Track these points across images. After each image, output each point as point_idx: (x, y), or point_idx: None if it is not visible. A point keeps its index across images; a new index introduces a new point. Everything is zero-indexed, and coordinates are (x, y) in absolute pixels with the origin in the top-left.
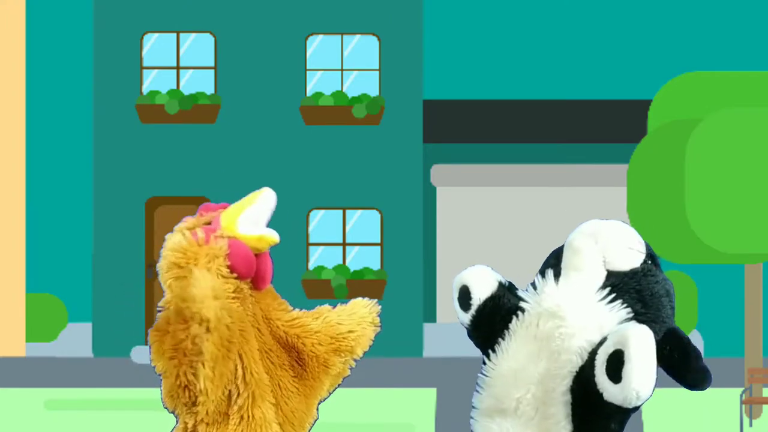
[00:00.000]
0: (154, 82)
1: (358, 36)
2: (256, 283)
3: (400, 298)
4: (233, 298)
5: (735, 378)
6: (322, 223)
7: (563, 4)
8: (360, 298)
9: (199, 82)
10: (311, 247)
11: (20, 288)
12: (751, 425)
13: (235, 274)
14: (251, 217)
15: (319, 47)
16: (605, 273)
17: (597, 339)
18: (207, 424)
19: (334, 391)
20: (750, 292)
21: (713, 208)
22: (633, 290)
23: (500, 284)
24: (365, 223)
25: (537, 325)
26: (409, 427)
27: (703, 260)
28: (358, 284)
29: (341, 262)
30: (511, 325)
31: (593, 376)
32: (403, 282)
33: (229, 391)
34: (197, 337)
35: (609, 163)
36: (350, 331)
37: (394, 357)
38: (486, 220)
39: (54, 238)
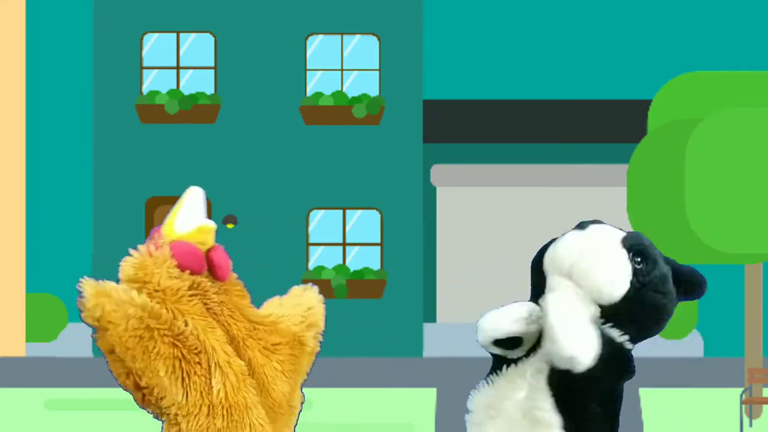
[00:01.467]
0: (154, 82)
1: (358, 36)
2: (215, 273)
3: (400, 298)
4: (191, 295)
5: (735, 378)
6: (322, 223)
7: (563, 4)
8: (296, 286)
9: (199, 82)
10: (311, 247)
11: (20, 288)
12: (751, 425)
13: (187, 271)
14: (185, 216)
15: (319, 47)
16: (598, 310)
17: None
18: (183, 415)
19: (310, 369)
20: (750, 292)
21: (713, 208)
22: (627, 320)
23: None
24: (365, 223)
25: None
26: (409, 427)
27: (703, 260)
28: (358, 284)
29: (341, 262)
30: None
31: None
32: (403, 282)
33: (205, 380)
34: (100, 339)
35: (609, 163)
36: (309, 308)
37: (394, 357)
38: (486, 220)
39: (54, 238)
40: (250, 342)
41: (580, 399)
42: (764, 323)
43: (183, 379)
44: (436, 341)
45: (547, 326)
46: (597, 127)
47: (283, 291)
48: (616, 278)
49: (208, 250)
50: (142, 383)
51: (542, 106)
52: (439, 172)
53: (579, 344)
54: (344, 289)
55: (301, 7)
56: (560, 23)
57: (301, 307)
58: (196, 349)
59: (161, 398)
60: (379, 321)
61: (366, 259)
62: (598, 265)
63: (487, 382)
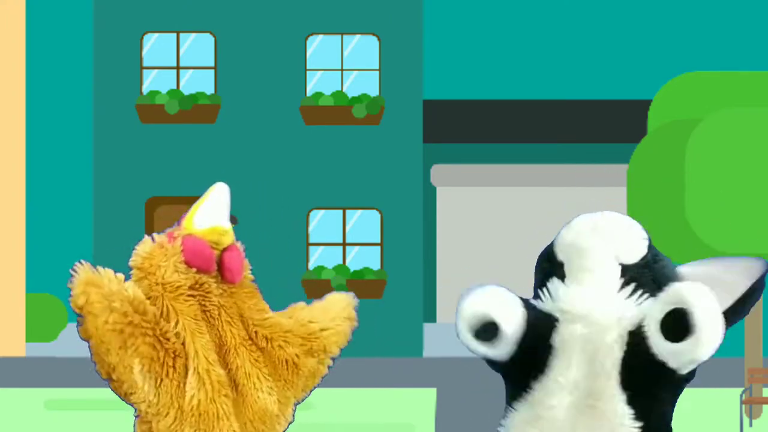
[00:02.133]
0: (154, 82)
1: (358, 36)
2: (223, 275)
3: (400, 298)
4: (189, 295)
5: (735, 378)
6: (322, 223)
7: (563, 4)
8: (336, 293)
9: (199, 82)
10: (311, 247)
11: (20, 288)
12: (751, 425)
13: (193, 269)
14: (206, 212)
15: (319, 47)
16: (619, 268)
17: (631, 329)
18: (153, 414)
19: (312, 390)
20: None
21: (713, 208)
22: (650, 280)
23: (525, 306)
24: (365, 223)
25: (568, 332)
26: (409, 427)
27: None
28: (358, 284)
29: (341, 262)
30: (550, 341)
31: (649, 348)
32: (403, 282)
33: (178, 384)
34: (81, 326)
35: (609, 163)
36: (323, 329)
37: (394, 357)
38: (486, 220)
39: (54, 238)
40: (241, 350)
41: (662, 399)
42: (764, 323)
43: (156, 379)
44: (436, 341)
45: (690, 321)
46: (597, 127)
47: (283, 291)
48: (641, 236)
49: (223, 250)
50: (114, 376)
51: (542, 106)
52: (439, 172)
53: (718, 342)
54: (344, 290)
55: (301, 7)
56: (560, 23)
57: (310, 327)
58: (175, 352)
59: (131, 393)
60: (379, 321)
61: (366, 259)
62: (626, 223)
63: (514, 408)
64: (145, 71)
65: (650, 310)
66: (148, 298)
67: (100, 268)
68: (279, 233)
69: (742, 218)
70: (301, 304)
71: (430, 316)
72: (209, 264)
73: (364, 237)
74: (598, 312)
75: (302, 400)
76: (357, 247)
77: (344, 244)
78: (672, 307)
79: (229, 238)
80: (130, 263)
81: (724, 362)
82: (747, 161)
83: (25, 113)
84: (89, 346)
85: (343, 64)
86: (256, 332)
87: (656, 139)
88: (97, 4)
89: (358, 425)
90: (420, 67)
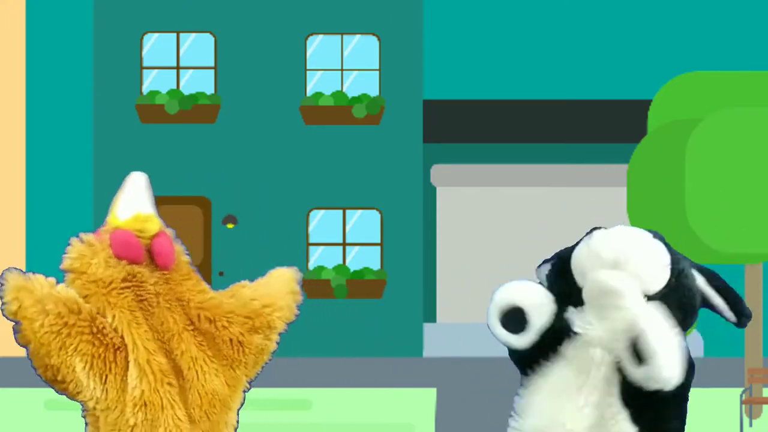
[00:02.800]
0: (154, 82)
1: (358, 36)
2: (155, 262)
3: (400, 298)
4: (123, 288)
5: (735, 378)
6: (322, 223)
7: (563, 4)
8: (280, 268)
9: (199, 82)
10: (311, 247)
11: None
12: (751, 425)
13: (124, 261)
14: (126, 203)
15: (319, 47)
16: (645, 299)
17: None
18: (102, 410)
19: (262, 368)
20: (750, 292)
21: (713, 208)
22: (674, 306)
23: (555, 306)
24: (365, 223)
25: (587, 354)
26: (409, 427)
27: (703, 260)
28: (358, 284)
29: (341, 262)
30: (561, 348)
31: (629, 376)
32: (403, 282)
33: (122, 378)
34: (18, 332)
35: (609, 163)
36: (265, 306)
37: (394, 357)
38: (486, 220)
39: (54, 238)
40: (185, 335)
41: (663, 417)
42: (764, 323)
43: (100, 376)
44: (436, 341)
45: (643, 346)
46: (597, 127)
47: None
48: (665, 263)
49: (153, 237)
50: (59, 378)
51: (542, 106)
52: (439, 172)
53: (676, 364)
54: (344, 289)
55: (301, 7)
56: (560, 23)
57: (252, 305)
58: (115, 346)
59: (78, 393)
60: (379, 321)
61: (366, 259)
62: (647, 252)
63: (520, 397)
64: (145, 71)
65: (621, 340)
66: (84, 298)
67: (30, 273)
68: (279, 233)
69: (742, 218)
70: (244, 282)
71: (430, 316)
72: (137, 254)
73: (364, 237)
74: (621, 343)
75: (254, 378)
76: (357, 247)
77: (344, 244)
78: (631, 335)
79: (153, 224)
80: (62, 267)
81: (724, 362)
82: (747, 161)
83: (25, 113)
84: (28, 352)
85: (343, 64)
86: (198, 315)
87: (656, 139)
88: (97, 4)
89: (358, 425)
90: (420, 67)
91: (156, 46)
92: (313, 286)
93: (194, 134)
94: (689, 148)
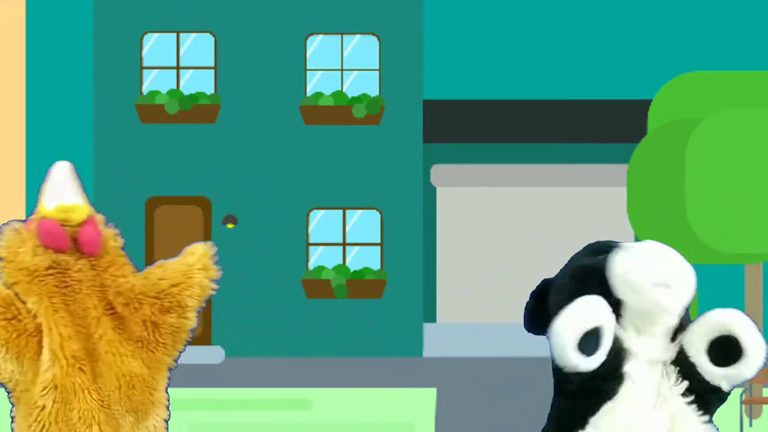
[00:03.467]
0: (154, 82)
1: (358, 36)
2: (82, 249)
3: (400, 298)
4: (46, 275)
5: None
6: (322, 223)
7: (563, 4)
8: (196, 244)
9: (199, 82)
10: (311, 247)
11: None
12: (751, 425)
13: (50, 250)
14: (51, 193)
15: (319, 47)
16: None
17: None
18: (21, 391)
19: (185, 347)
20: (750, 292)
21: (713, 208)
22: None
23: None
24: (365, 223)
25: (648, 368)
26: (409, 427)
27: (703, 260)
28: (358, 284)
29: (341, 262)
30: (623, 366)
31: (698, 375)
32: (403, 282)
33: (36, 362)
34: None
35: (609, 163)
36: (174, 285)
37: (394, 357)
38: (486, 220)
39: None
40: (104, 319)
41: (714, 411)
42: (764, 323)
43: (17, 359)
44: (436, 341)
45: (736, 347)
46: (597, 127)
47: (283, 291)
48: (695, 283)
49: (79, 225)
50: None
51: (542, 106)
52: (439, 172)
53: (760, 364)
54: (344, 289)
55: (301, 7)
56: (560, 23)
57: (160, 284)
58: (28, 331)
59: None
60: (379, 321)
61: (366, 259)
62: (689, 274)
63: (593, 426)
64: (145, 71)
65: (693, 342)
66: (12, 285)
67: None
68: (279, 233)
69: (742, 218)
70: (161, 261)
71: (430, 316)
72: (62, 242)
73: (364, 237)
74: (665, 355)
75: (178, 356)
76: (357, 247)
77: (344, 244)
78: (717, 335)
79: (78, 214)
80: None
81: None
82: (747, 161)
83: (25, 113)
84: None
85: (343, 64)
86: (114, 299)
87: (656, 139)
88: (97, 4)
89: (358, 425)
90: (420, 67)
91: (156, 46)
92: (313, 286)
93: (194, 134)
94: (689, 148)
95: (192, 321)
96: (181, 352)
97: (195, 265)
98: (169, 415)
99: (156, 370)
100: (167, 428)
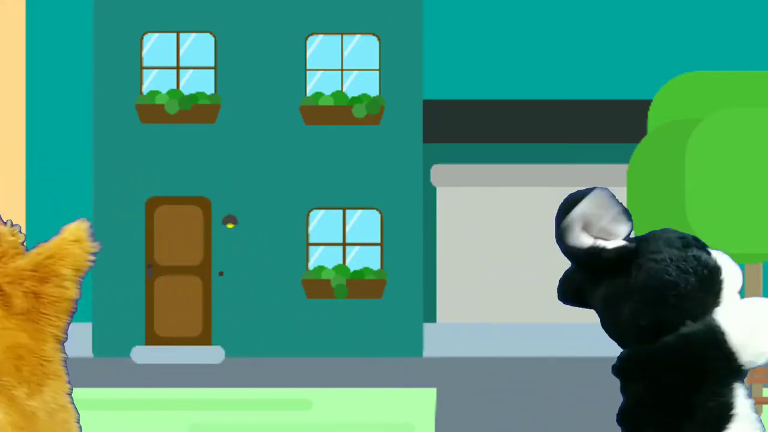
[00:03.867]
0: (154, 82)
1: (358, 36)
2: None
3: (400, 298)
4: None
5: None
6: (322, 223)
7: (563, 4)
8: (72, 222)
9: (199, 82)
10: (311, 247)
11: None
12: None
13: None
14: None
15: (319, 47)
16: None
17: None
18: None
19: (69, 318)
20: (750, 292)
21: (713, 208)
22: None
23: None
24: (365, 223)
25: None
26: (409, 427)
27: None
28: (358, 284)
29: (341, 262)
30: None
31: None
32: (403, 282)
33: None
34: None
35: (609, 163)
36: (48, 257)
37: (394, 357)
38: (486, 220)
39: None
40: None
41: None
42: None
43: None
44: (436, 341)
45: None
46: (597, 127)
47: (283, 291)
48: None
49: None
50: None
51: (542, 106)
52: (439, 172)
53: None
54: (344, 290)
55: (301, 7)
56: (560, 23)
57: (36, 258)
58: None
59: None
60: (379, 321)
61: (366, 259)
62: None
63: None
64: (145, 71)
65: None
66: None
67: None
68: (279, 233)
69: (742, 218)
70: (41, 243)
71: (430, 316)
72: None
73: (364, 237)
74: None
75: (66, 328)
76: (357, 247)
77: (344, 244)
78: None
79: None
80: None
81: None
82: (747, 161)
83: (25, 113)
84: None
85: (343, 64)
86: (2, 280)
87: (656, 139)
88: (97, 4)
89: (358, 425)
90: (420, 67)
91: (156, 46)
92: (313, 286)
93: (194, 134)
94: (689, 148)
95: (71, 291)
96: (68, 324)
97: (68, 238)
98: (71, 389)
99: (42, 341)
100: (73, 402)
